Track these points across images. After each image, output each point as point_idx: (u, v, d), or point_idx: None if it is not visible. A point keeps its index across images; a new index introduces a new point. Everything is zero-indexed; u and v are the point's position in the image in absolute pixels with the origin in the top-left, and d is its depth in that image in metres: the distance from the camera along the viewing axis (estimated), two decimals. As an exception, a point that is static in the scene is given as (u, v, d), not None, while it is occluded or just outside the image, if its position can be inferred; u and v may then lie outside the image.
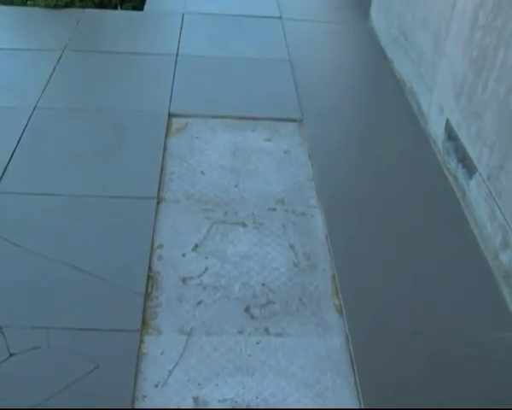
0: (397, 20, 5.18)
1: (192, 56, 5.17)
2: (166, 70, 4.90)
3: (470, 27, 3.79)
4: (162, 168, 3.82)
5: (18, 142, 3.92)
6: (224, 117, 4.36)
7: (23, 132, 4.02)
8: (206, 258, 3.23)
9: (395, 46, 5.19)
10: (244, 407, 2.57)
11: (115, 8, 6.08)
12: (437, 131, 4.22)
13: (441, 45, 4.21)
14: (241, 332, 2.87)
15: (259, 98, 4.62)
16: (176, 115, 4.35)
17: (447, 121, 4.05)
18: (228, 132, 4.23)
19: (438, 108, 4.23)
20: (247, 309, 2.98)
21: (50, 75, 4.71)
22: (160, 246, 3.28)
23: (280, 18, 6.01)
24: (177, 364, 2.71)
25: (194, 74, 4.89)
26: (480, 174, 3.55)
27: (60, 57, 4.98)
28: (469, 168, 3.70)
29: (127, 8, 6.06)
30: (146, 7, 6.11)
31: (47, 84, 4.60)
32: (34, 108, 4.28)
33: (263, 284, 3.11)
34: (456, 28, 3.98)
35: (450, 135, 3.99)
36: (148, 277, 3.08)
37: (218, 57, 5.18)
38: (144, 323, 2.86)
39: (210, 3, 6.28)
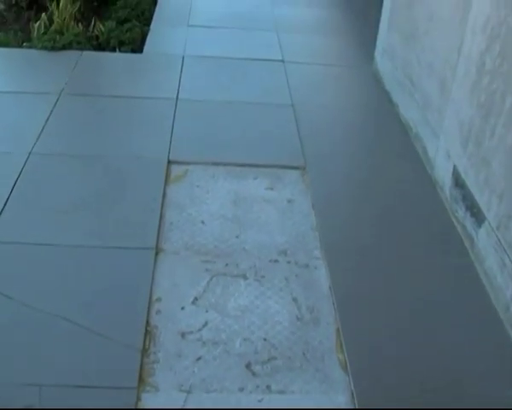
0: (402, 63, 5.28)
1: (192, 101, 5.26)
2: (166, 115, 4.98)
3: (477, 72, 3.86)
4: (161, 218, 3.86)
5: (12, 188, 3.96)
6: (225, 164, 4.43)
7: (18, 179, 4.07)
8: (206, 312, 3.26)
9: (400, 90, 5.27)
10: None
11: (114, 50, 6.20)
12: (444, 177, 4.27)
13: (447, 90, 4.28)
14: (242, 390, 2.88)
15: (261, 144, 4.69)
16: (175, 162, 4.41)
17: (454, 167, 4.11)
18: (229, 180, 4.29)
19: (444, 154, 4.29)
20: (248, 365, 2.99)
21: (46, 119, 4.79)
22: (159, 299, 3.30)
23: (282, 61, 6.12)
24: (175, 423, 2.71)
25: (194, 119, 4.97)
26: (490, 223, 3.58)
27: (56, 101, 5.06)
28: (478, 217, 3.74)
29: (126, 51, 6.18)
30: (145, 49, 6.22)
31: (43, 128, 4.66)
32: (29, 154, 4.34)
33: (265, 339, 3.12)
34: (463, 73, 4.06)
35: (458, 182, 4.04)
36: (146, 331, 3.10)
37: (218, 102, 5.26)
38: (141, 380, 2.88)
39: (211, 46, 6.41)
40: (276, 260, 3.62)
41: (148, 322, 3.15)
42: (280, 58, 6.19)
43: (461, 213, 3.97)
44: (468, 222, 3.85)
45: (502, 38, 3.57)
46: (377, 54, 6.04)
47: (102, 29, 6.43)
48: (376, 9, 6.49)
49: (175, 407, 2.67)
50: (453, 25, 4.25)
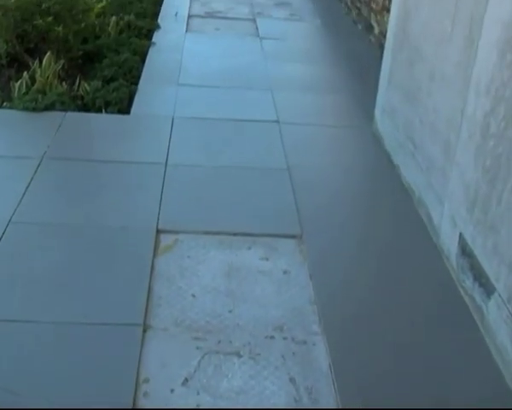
0: (403, 123, 5.35)
1: (182, 166, 5.31)
2: (154, 181, 5.02)
3: (481, 135, 3.93)
4: (149, 291, 3.86)
5: (-10, 261, 3.93)
6: (217, 233, 4.45)
7: (-4, 251, 4.04)
8: (198, 394, 3.23)
9: (402, 151, 5.33)
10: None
11: (99, 111, 6.26)
12: (450, 245, 4.30)
13: (452, 152, 4.34)
14: None
15: (255, 212, 4.73)
16: (165, 231, 4.43)
17: (461, 235, 4.14)
18: (222, 251, 4.30)
19: (450, 220, 4.32)
20: (243, 454, 2.96)
21: (27, 186, 4.80)
22: (146, 380, 3.28)
23: (277, 122, 6.21)
24: None
25: (184, 185, 5.02)
26: (500, 295, 3.59)
27: (38, 166, 5.09)
28: (487, 287, 3.75)
29: (112, 112, 6.24)
30: (133, 110, 6.29)
31: (23, 195, 4.67)
32: (8, 223, 4.34)
33: (260, 424, 3.10)
34: (467, 135, 4.13)
35: (465, 250, 4.06)
36: (133, 416, 3.07)
37: (210, 166, 5.32)
38: None
39: (202, 106, 6.50)
40: (271, 337, 3.61)
41: (134, 404, 3.11)
42: (275, 118, 6.28)
43: (468, 283, 3.98)
44: (477, 293, 3.86)
45: (506, 99, 3.64)
46: (377, 113, 6.13)
47: (87, 88, 6.50)
48: (375, 66, 6.61)
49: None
50: (456, 85, 4.34)
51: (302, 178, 5.20)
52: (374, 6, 8.82)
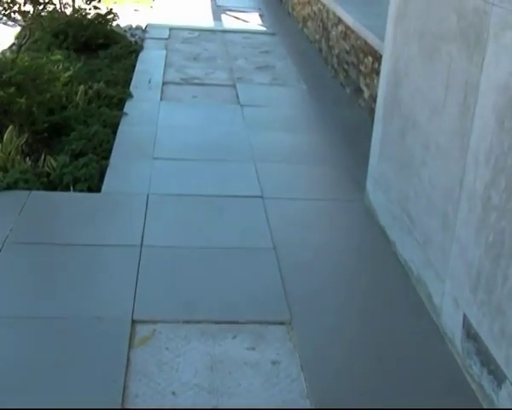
0: (397, 196, 5.41)
1: (159, 247, 5.32)
2: (129, 265, 5.01)
3: (483, 208, 3.98)
4: (124, 390, 3.82)
5: None
6: (198, 322, 4.44)
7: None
8: None
9: (397, 226, 5.38)
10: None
11: (67, 189, 6.22)
12: (453, 327, 4.31)
13: (451, 227, 4.39)
14: None
15: (240, 297, 4.73)
16: (141, 321, 4.41)
17: (464, 317, 4.15)
18: (204, 341, 4.29)
19: (452, 301, 4.34)
20: None
21: (-12, 276, 4.74)
22: None
23: (261, 197, 6.24)
24: None
25: (161, 269, 5.01)
26: (511, 383, 3.59)
27: (-1, 252, 5.04)
28: (496, 375, 3.75)
29: (81, 190, 6.21)
30: (104, 187, 6.27)
31: (-16, 287, 4.60)
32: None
33: None
34: (467, 208, 4.19)
35: (470, 333, 4.07)
36: None
37: (189, 248, 5.33)
38: None
39: (179, 182, 6.52)
40: (260, 437, 3.58)
41: None
42: (258, 193, 6.32)
43: (476, 369, 3.98)
44: (486, 381, 3.86)
45: (508, 169, 3.70)
46: (369, 185, 6.20)
47: (54, 164, 6.47)
48: (365, 133, 6.70)
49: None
50: (452, 154, 4.41)
51: (290, 258, 5.22)
52: (362, 68, 9.01)
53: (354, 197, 6.38)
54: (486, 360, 3.87)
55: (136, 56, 10.83)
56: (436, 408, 3.64)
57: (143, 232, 5.50)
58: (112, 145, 7.19)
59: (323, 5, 11.63)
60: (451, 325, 4.35)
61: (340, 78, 10.28)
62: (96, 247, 5.29)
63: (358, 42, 9.27)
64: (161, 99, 9.01)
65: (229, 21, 14.37)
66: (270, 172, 6.82)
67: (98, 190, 6.29)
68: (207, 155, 7.19)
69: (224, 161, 7.09)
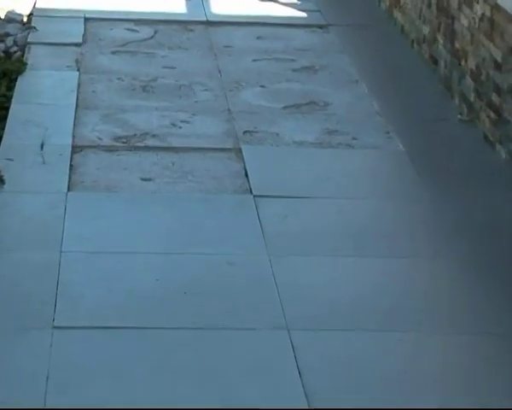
0: None
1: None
2: None
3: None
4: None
5: None
6: None
7: None
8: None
9: None
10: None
11: None
12: None
13: None
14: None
15: None
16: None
17: None
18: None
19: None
20: None
21: None
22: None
23: None
24: None
25: None
26: None
27: None
28: None
29: None
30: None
31: None
32: None
33: None
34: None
35: None
36: None
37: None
38: None
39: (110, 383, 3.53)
40: None
41: None
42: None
43: None
44: None
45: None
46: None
47: None
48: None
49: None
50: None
51: None
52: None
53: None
54: None
55: (11, 86, 6.36)
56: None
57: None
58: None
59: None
60: None
61: (481, 124, 5.90)
62: None
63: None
64: (69, 189, 4.95)
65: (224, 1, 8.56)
66: (318, 352, 3.62)
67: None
68: (179, 322, 3.98)
69: (223, 339, 3.78)
